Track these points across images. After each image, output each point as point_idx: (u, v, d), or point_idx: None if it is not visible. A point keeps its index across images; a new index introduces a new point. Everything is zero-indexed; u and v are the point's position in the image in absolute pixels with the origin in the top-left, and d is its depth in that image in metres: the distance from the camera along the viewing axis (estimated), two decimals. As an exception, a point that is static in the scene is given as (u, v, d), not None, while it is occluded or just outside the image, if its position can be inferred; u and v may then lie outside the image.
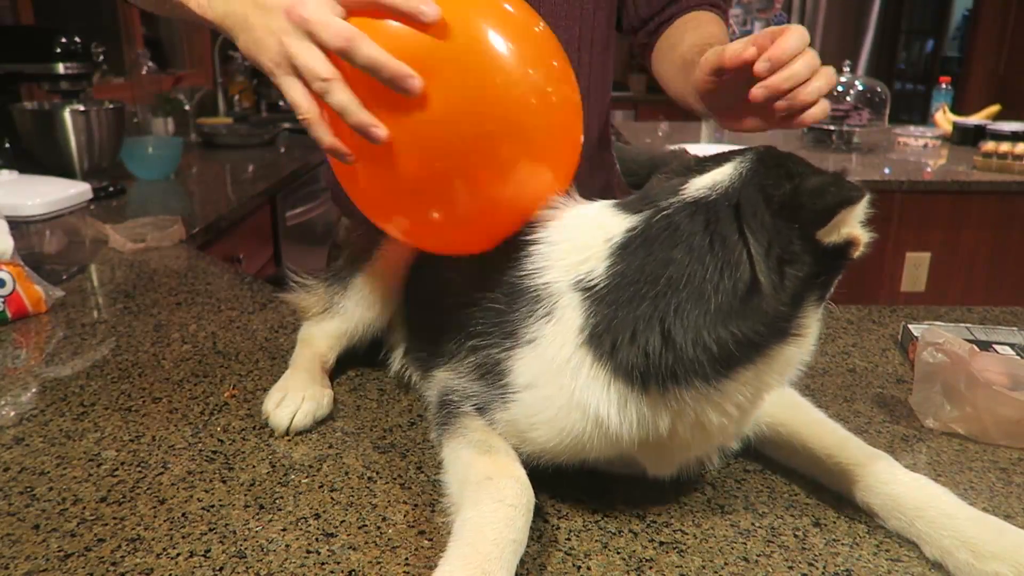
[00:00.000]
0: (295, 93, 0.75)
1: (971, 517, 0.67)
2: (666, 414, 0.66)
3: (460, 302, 0.81)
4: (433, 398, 0.83)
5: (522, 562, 0.66)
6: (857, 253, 0.66)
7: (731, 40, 0.90)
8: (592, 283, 0.67)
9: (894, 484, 0.71)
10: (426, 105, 0.72)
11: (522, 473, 0.68)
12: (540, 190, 0.78)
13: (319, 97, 0.73)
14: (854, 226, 0.65)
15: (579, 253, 0.70)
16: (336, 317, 0.99)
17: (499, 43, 0.74)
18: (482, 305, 0.76)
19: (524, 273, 0.73)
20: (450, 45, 0.72)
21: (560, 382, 0.68)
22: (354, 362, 1.03)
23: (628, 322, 0.65)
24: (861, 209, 0.64)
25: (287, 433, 0.86)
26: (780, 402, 0.81)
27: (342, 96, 0.72)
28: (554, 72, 0.79)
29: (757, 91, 0.77)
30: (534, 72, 0.76)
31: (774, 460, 0.82)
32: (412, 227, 0.84)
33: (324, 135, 0.76)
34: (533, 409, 0.71)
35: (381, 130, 0.72)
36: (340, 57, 0.71)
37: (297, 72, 0.74)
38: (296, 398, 0.88)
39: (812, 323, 0.67)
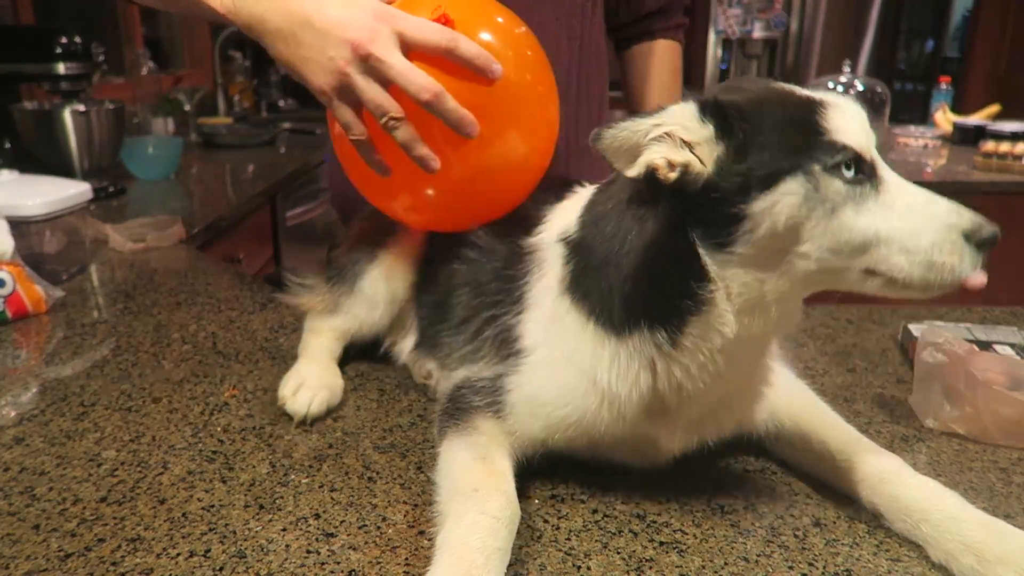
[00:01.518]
0: (347, 117, 0.83)
1: (977, 521, 0.67)
2: (642, 366, 0.70)
3: (473, 282, 0.88)
4: (446, 389, 0.83)
5: (522, 562, 0.66)
6: (665, 176, 0.65)
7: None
8: (569, 235, 0.76)
9: (900, 485, 0.71)
10: (477, 143, 0.84)
11: (510, 487, 0.69)
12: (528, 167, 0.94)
13: (384, 130, 0.81)
14: (653, 155, 0.64)
15: (568, 218, 0.78)
16: (340, 315, 1.01)
17: (524, 83, 0.89)
18: (492, 276, 0.85)
19: (526, 241, 0.82)
20: (501, 93, 0.85)
21: (554, 333, 0.74)
22: (354, 362, 1.03)
23: (591, 268, 0.72)
24: (639, 136, 0.65)
25: (304, 420, 0.87)
26: (793, 400, 0.81)
27: (408, 133, 0.81)
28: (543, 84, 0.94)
29: None
30: (540, 89, 0.93)
31: (783, 457, 0.83)
32: (423, 215, 0.97)
33: (371, 153, 0.85)
34: (540, 371, 0.75)
35: (436, 163, 0.83)
36: (423, 107, 0.79)
37: (351, 99, 0.82)
38: (312, 386, 0.90)
39: (727, 273, 0.66)
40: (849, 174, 0.64)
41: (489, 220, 0.92)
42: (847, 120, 0.66)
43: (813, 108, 0.65)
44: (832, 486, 0.77)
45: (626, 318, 0.69)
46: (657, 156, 0.64)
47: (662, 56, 1.38)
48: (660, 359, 0.69)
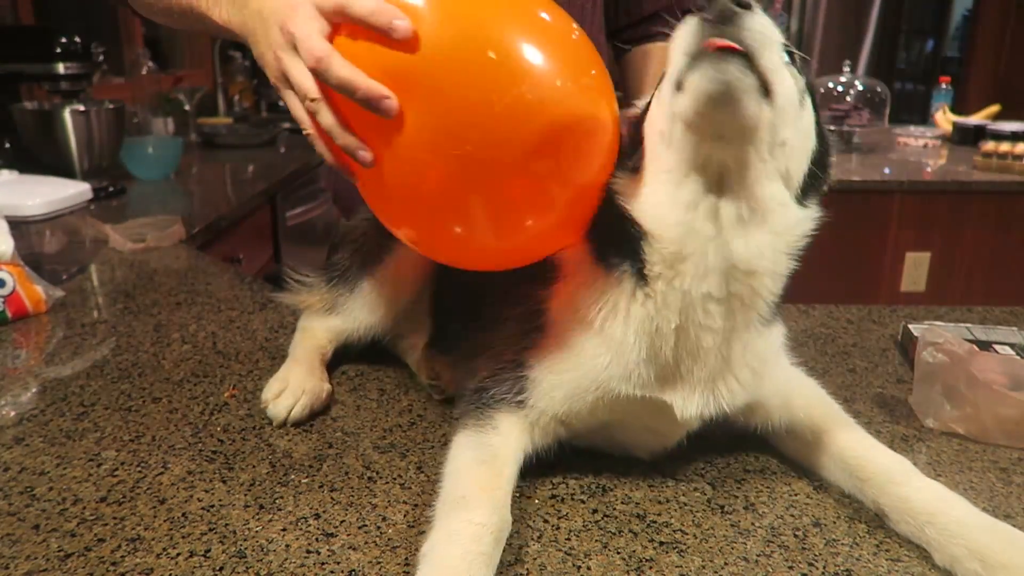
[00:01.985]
0: (297, 109, 0.74)
1: (983, 526, 0.67)
2: (630, 303, 0.71)
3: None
4: (467, 386, 0.82)
5: (522, 562, 0.66)
6: None
7: None
8: None
9: (908, 487, 0.71)
10: (404, 125, 0.67)
11: (501, 493, 0.69)
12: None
13: (310, 116, 0.72)
14: None
15: None
16: (339, 316, 1.00)
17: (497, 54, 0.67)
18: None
19: None
20: (429, 61, 0.66)
21: (568, 294, 0.76)
22: (354, 362, 1.03)
23: (598, 217, 0.75)
24: None
25: (284, 424, 0.87)
26: (806, 396, 0.81)
27: (326, 118, 0.71)
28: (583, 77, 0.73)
29: None
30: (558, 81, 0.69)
31: (792, 454, 0.83)
32: (417, 236, 0.80)
33: (325, 151, 0.76)
34: (559, 338, 0.76)
35: (367, 153, 0.70)
36: (315, 77, 0.69)
37: (291, 86, 0.73)
38: (295, 391, 0.89)
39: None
40: None
41: (506, 254, 0.77)
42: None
43: None
44: (838, 484, 0.77)
45: (606, 252, 0.73)
46: None
47: (661, 58, 1.38)
48: (639, 293, 0.71)
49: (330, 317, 1.01)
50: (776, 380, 0.79)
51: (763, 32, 0.62)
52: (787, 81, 0.64)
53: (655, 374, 0.72)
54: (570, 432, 0.78)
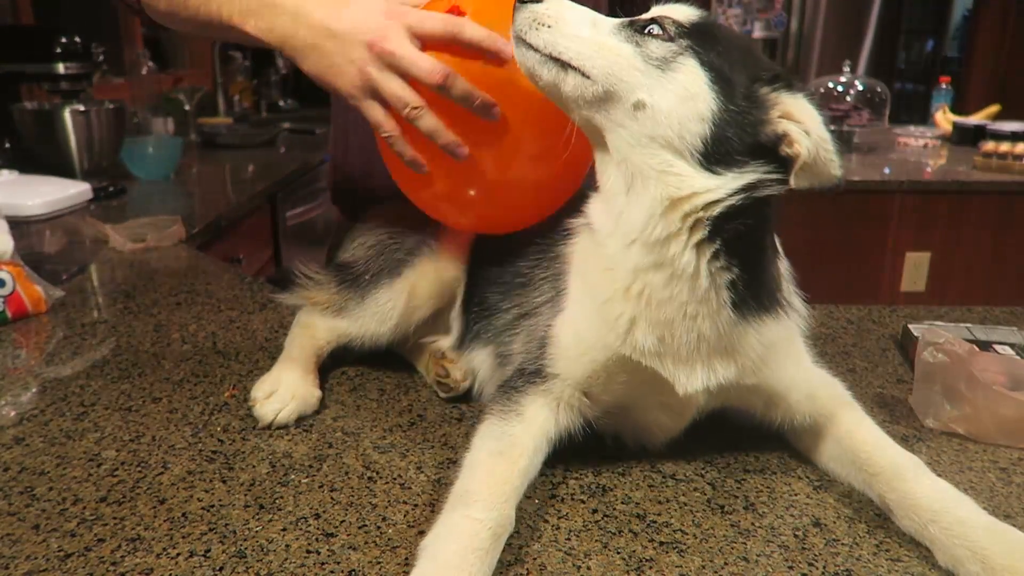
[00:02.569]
0: (377, 115, 0.86)
1: (987, 527, 0.66)
2: (610, 265, 0.74)
3: (527, 263, 0.92)
4: (500, 378, 0.87)
5: (522, 562, 0.66)
6: None
7: None
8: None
9: (915, 483, 0.71)
10: (499, 124, 0.84)
11: (510, 488, 0.69)
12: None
13: (408, 121, 0.84)
14: None
15: None
16: (346, 319, 0.99)
17: None
18: (543, 252, 0.90)
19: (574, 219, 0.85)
20: (521, 77, 0.80)
21: (581, 268, 0.81)
22: (354, 362, 1.03)
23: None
24: None
25: (269, 427, 0.87)
26: (823, 388, 0.81)
27: (431, 121, 0.84)
28: None
29: None
30: None
31: (804, 448, 0.83)
32: (468, 213, 0.95)
33: (406, 150, 0.87)
34: (577, 309, 0.80)
35: (465, 149, 0.84)
36: (436, 91, 0.82)
37: (378, 97, 0.85)
38: (285, 396, 0.89)
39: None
40: None
41: (535, 218, 0.93)
42: None
43: None
44: (847, 479, 0.77)
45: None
46: None
47: None
48: (613, 256, 0.74)
49: (336, 318, 0.99)
50: (794, 373, 0.80)
51: (534, 16, 0.73)
52: (610, 52, 0.70)
53: (652, 347, 0.74)
54: (594, 406, 0.79)
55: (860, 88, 3.16)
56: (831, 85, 3.20)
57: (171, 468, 0.79)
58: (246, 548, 0.67)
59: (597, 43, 0.71)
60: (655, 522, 0.72)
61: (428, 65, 0.81)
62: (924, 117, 4.19)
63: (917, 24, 5.42)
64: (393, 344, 1.01)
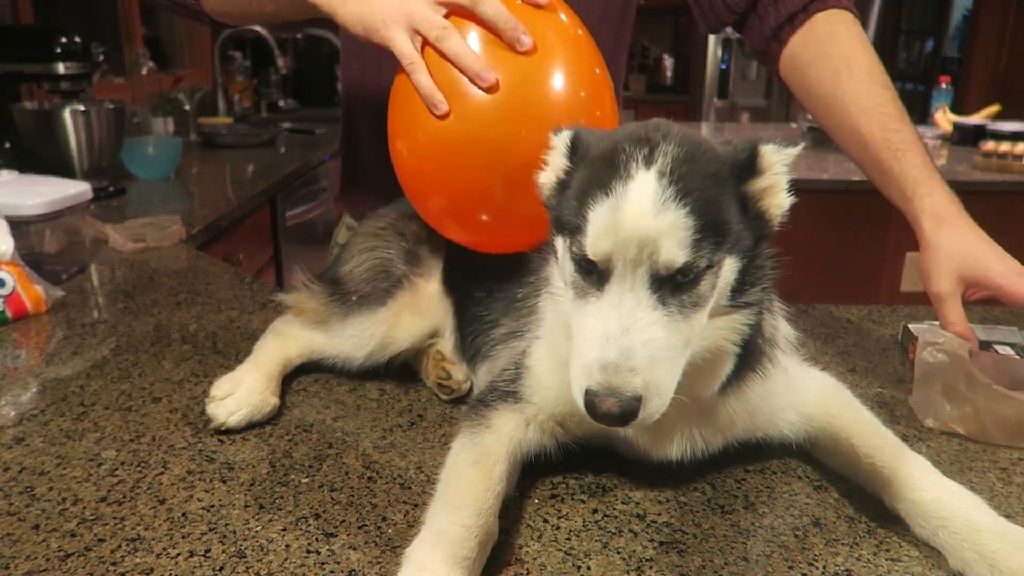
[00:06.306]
0: (403, 43, 0.88)
1: (996, 530, 0.66)
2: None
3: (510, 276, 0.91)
4: (482, 383, 0.88)
5: (522, 562, 0.66)
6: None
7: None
8: None
9: (922, 491, 0.71)
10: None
11: (491, 496, 0.68)
12: None
13: (435, 43, 0.86)
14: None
15: None
16: (325, 335, 0.98)
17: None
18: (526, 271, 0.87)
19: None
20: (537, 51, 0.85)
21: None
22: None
23: None
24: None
25: (219, 428, 0.86)
26: (827, 402, 0.81)
27: (458, 42, 0.85)
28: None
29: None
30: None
31: (818, 458, 0.83)
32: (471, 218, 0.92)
33: (425, 78, 0.86)
34: (551, 339, 0.78)
35: (491, 74, 0.83)
36: (466, 10, 0.86)
37: (409, 27, 0.88)
38: (240, 401, 0.87)
39: None
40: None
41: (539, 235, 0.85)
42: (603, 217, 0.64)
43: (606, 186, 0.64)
44: (866, 488, 0.77)
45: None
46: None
47: (838, 31, 1.10)
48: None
49: (314, 331, 0.98)
50: (785, 406, 0.80)
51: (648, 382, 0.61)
52: (665, 333, 0.63)
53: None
54: (569, 434, 0.78)
55: (860, 88, 3.15)
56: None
57: (171, 468, 0.79)
58: (246, 548, 0.67)
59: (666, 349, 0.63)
60: (655, 522, 0.72)
61: None
62: (924, 117, 4.18)
63: (917, 24, 5.43)
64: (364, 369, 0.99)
